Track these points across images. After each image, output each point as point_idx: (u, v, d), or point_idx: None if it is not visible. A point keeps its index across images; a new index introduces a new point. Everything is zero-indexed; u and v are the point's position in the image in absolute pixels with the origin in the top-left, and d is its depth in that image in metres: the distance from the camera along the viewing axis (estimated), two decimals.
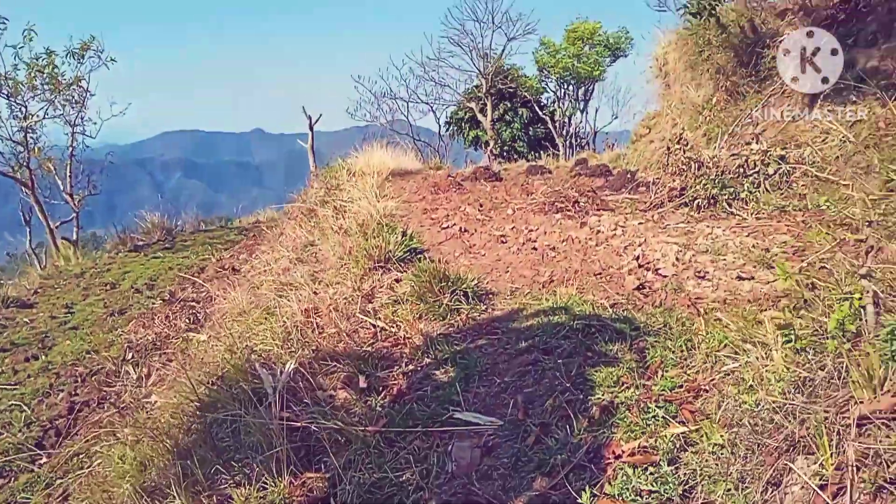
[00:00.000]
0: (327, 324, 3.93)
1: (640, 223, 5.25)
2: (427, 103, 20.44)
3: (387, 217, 6.07)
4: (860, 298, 1.80)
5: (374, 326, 3.52)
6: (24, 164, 13.30)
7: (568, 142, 18.19)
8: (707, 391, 2.19)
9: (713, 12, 7.17)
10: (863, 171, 4.36)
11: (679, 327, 2.71)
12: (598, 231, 4.99)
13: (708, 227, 4.87)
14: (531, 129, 18.38)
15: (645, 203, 5.92)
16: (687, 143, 5.74)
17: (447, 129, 20.29)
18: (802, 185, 4.98)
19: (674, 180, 5.89)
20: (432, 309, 3.37)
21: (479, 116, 18.55)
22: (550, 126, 17.98)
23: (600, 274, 3.96)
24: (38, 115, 13.51)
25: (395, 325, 3.42)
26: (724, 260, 3.97)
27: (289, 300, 4.27)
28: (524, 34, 18.28)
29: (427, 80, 19.91)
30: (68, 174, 14.47)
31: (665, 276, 3.87)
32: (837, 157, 4.73)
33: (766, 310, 2.65)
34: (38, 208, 13.57)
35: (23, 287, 10.66)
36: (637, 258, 4.24)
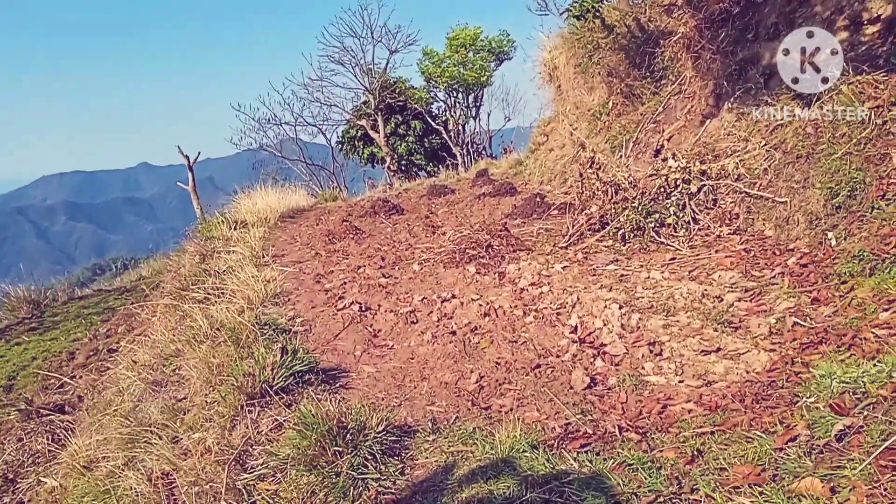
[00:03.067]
0: None
1: (564, 268, 4.54)
2: (315, 125, 19.14)
3: (270, 298, 5.00)
4: None
5: None
6: None
7: (465, 149, 17.58)
8: None
9: (597, 14, 6.67)
10: (799, 184, 3.87)
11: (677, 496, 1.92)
12: (522, 289, 4.22)
13: (642, 266, 4.23)
14: (426, 140, 17.63)
15: (563, 236, 5.24)
16: (599, 166, 5.11)
17: (340, 149, 19.07)
18: (732, 203, 4.46)
19: (590, 206, 5.25)
20: (328, 481, 2.43)
21: (372, 133, 17.53)
22: (445, 136, 17.30)
23: (539, 367, 3.17)
24: None
25: None
26: (678, 322, 3.30)
27: (134, 465, 3.16)
28: (406, 46, 17.47)
29: (312, 102, 18.62)
30: None
31: (616, 358, 3.14)
32: (765, 169, 4.23)
33: (772, 428, 1.94)
34: None
35: None
36: (575, 330, 3.50)
